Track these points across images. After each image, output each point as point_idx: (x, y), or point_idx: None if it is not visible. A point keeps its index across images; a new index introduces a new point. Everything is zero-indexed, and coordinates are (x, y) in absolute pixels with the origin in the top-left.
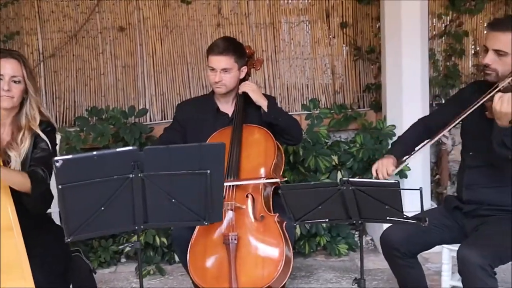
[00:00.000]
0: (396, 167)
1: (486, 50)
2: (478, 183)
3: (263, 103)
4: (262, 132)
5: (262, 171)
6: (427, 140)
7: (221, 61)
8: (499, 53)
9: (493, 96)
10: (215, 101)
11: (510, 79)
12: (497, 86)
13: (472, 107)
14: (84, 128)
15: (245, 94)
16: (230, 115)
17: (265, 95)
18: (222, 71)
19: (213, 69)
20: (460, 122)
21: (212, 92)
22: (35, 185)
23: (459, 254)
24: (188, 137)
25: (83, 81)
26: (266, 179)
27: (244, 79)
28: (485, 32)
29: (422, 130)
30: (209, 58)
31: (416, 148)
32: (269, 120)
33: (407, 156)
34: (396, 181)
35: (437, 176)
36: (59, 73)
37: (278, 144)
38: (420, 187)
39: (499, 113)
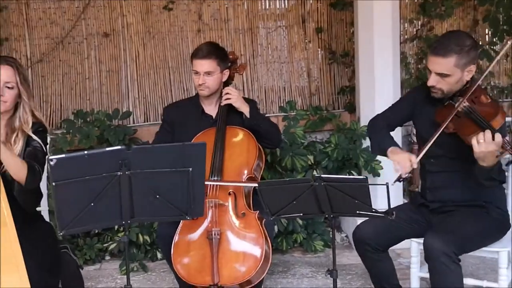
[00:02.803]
0: (417, 155)
1: (430, 72)
2: (440, 186)
3: (245, 110)
4: (244, 133)
5: (244, 170)
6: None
7: (204, 65)
8: (442, 75)
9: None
10: (200, 103)
11: (464, 101)
12: (450, 103)
13: (439, 130)
14: (70, 131)
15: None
16: (214, 116)
17: (247, 99)
18: (205, 74)
19: (197, 73)
20: (416, 133)
21: (197, 94)
22: (30, 175)
23: (425, 242)
24: (175, 137)
25: (69, 85)
26: (248, 178)
27: (228, 83)
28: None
29: (386, 127)
30: (193, 62)
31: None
32: (250, 125)
33: (424, 148)
34: (365, 177)
35: (409, 175)
36: (46, 78)
37: (259, 145)
38: (386, 182)
39: (485, 153)
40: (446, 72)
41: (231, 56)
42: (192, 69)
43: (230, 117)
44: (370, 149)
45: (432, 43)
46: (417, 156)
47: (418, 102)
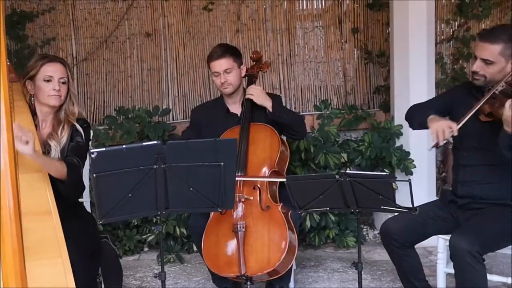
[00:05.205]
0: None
1: (476, 57)
2: (473, 180)
3: (268, 104)
4: (267, 129)
5: (267, 164)
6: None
7: (221, 64)
8: (486, 62)
9: (488, 100)
10: (225, 103)
11: (503, 83)
12: (489, 89)
13: (474, 108)
14: (113, 126)
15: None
16: (238, 115)
17: (270, 94)
18: (225, 72)
19: (217, 74)
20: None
21: (221, 96)
22: (71, 172)
23: (451, 241)
24: (203, 137)
25: (112, 83)
26: (271, 172)
27: (252, 81)
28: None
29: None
30: (211, 65)
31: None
32: (274, 118)
33: (465, 117)
34: (388, 173)
35: (443, 174)
36: (90, 76)
37: (283, 139)
38: (408, 179)
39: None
40: (491, 59)
41: (254, 55)
42: (211, 73)
43: (255, 113)
44: (412, 127)
45: (482, 30)
46: (458, 123)
47: (460, 95)
